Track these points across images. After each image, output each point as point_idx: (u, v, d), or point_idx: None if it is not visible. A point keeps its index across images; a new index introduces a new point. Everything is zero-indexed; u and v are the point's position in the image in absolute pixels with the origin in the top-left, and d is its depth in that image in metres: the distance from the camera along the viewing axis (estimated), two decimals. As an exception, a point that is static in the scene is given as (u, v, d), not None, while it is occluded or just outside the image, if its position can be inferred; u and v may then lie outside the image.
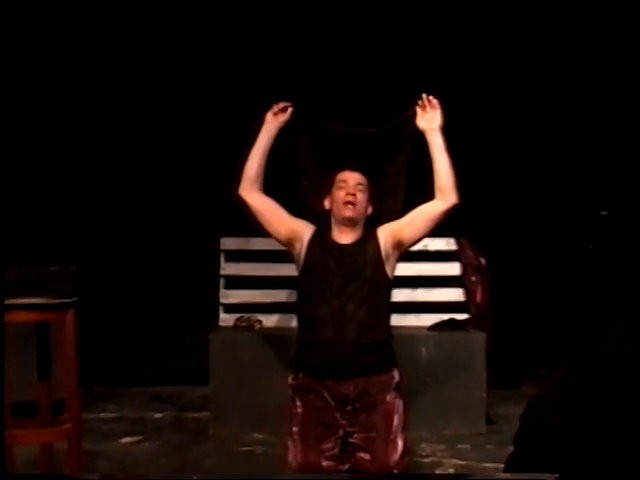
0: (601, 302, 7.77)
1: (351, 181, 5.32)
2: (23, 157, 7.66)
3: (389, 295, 5.40)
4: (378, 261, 5.31)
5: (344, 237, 5.33)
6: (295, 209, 5.54)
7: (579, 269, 8.31)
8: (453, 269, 7.16)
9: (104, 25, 7.87)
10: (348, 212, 5.27)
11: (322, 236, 5.37)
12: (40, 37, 7.72)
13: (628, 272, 7.64)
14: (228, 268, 7.19)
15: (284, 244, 5.46)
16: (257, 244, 7.05)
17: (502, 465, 5.48)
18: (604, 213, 8.20)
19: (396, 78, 7.84)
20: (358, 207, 5.27)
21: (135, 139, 8.09)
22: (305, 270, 5.35)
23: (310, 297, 5.30)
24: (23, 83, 7.64)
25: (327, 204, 5.40)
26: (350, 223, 5.30)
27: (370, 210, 5.35)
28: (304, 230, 5.38)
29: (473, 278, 7.04)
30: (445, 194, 5.25)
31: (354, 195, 5.27)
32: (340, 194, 5.30)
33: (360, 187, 5.31)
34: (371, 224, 5.39)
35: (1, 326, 2.91)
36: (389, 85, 7.77)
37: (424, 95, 5.37)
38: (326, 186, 5.42)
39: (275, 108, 5.41)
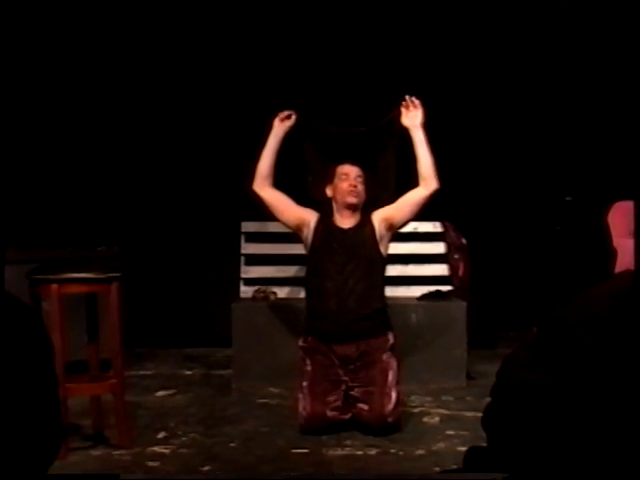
0: (564, 275, 7.77)
1: (352, 174, 5.43)
2: (73, 152, 7.65)
3: (384, 271, 5.50)
4: (373, 242, 5.40)
5: (345, 222, 5.42)
6: (301, 199, 5.59)
7: (546, 247, 8.31)
8: (439, 248, 7.17)
9: (129, 18, 7.80)
10: (352, 199, 5.40)
11: (326, 221, 5.46)
12: (63, 22, 7.61)
13: (588, 249, 7.63)
14: (248, 248, 7.21)
15: (293, 230, 5.54)
16: (273, 227, 7.04)
17: (480, 413, 5.49)
18: (569, 199, 8.19)
19: (382, 76, 7.81)
20: (360, 195, 5.39)
21: (170, 137, 8.07)
22: (312, 250, 5.43)
23: (317, 273, 5.39)
24: (59, 71, 7.58)
25: (329, 192, 5.49)
26: (352, 209, 5.41)
27: (365, 198, 5.44)
28: (310, 217, 5.47)
29: (456, 256, 7.04)
30: (427, 181, 5.35)
31: (355, 186, 5.38)
32: (344, 185, 5.41)
33: (359, 179, 5.43)
34: (366, 210, 5.45)
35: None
36: (378, 84, 7.73)
37: (407, 96, 5.42)
38: (328, 177, 5.50)
39: (281, 115, 5.47)
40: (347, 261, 5.36)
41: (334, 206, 5.50)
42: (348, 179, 5.43)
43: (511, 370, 2.21)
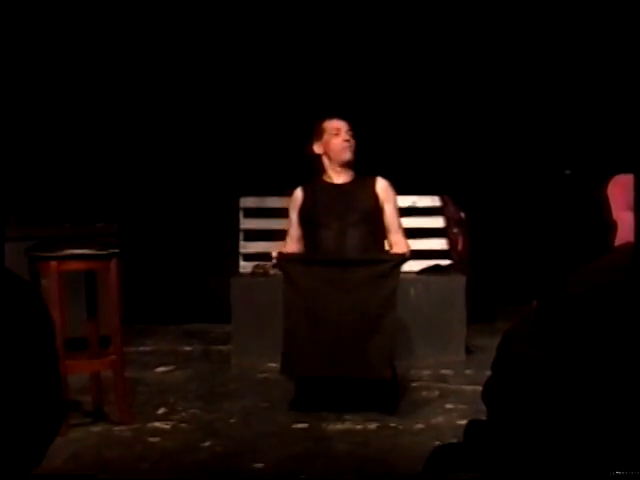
0: (563, 248, 7.77)
1: (343, 128, 5.40)
2: (71, 129, 7.65)
3: (382, 221, 5.41)
4: (372, 195, 5.37)
5: (340, 178, 5.44)
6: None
7: (545, 220, 8.30)
8: (438, 222, 7.15)
9: (141, 10, 7.80)
10: (347, 155, 5.41)
11: (316, 182, 5.44)
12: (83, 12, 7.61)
13: (588, 223, 7.62)
14: (246, 223, 7.20)
15: None
16: (271, 202, 7.08)
17: (479, 387, 5.52)
18: (568, 172, 8.16)
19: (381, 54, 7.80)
20: (353, 149, 5.37)
21: (169, 112, 8.06)
22: (307, 210, 5.40)
23: (315, 224, 5.35)
24: (60, 51, 7.57)
25: (318, 149, 5.46)
26: (347, 164, 5.40)
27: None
28: (297, 200, 5.47)
29: (455, 230, 7.03)
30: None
31: (348, 140, 5.37)
32: (337, 141, 5.40)
33: (350, 132, 5.41)
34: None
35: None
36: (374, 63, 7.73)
37: None
38: (315, 133, 5.46)
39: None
40: (345, 211, 5.33)
41: (326, 163, 5.46)
42: (340, 134, 5.40)
43: (511, 344, 2.21)
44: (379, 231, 5.40)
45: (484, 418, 2.64)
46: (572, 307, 2.04)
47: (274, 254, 5.30)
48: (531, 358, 2.11)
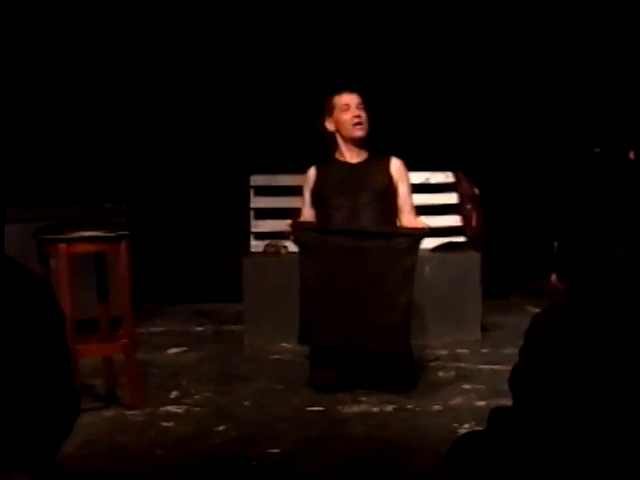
0: (590, 229, 7.65)
1: (353, 102, 5.29)
2: (78, 106, 7.59)
3: (395, 202, 5.33)
4: (387, 175, 5.28)
5: (354, 156, 5.34)
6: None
7: (570, 197, 8.17)
8: (451, 198, 7.10)
9: None
10: (359, 132, 5.29)
11: (329, 161, 5.36)
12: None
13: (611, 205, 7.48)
14: (257, 201, 7.13)
15: None
16: (282, 180, 7.02)
17: (496, 366, 5.50)
18: (597, 150, 7.98)
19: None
20: (365, 125, 5.27)
21: (178, 89, 8.00)
22: (320, 185, 5.33)
23: (327, 203, 5.27)
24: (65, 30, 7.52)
25: (330, 126, 5.36)
26: (360, 142, 5.29)
27: (369, 126, 5.33)
28: (310, 183, 5.39)
29: (469, 206, 6.97)
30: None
31: (359, 116, 5.25)
32: (346, 117, 5.28)
33: (361, 106, 5.28)
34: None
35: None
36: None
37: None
38: (326, 109, 5.36)
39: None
40: (358, 191, 5.24)
41: (339, 140, 5.37)
42: (350, 109, 5.27)
43: (539, 330, 2.15)
44: (392, 212, 5.31)
45: (504, 400, 2.57)
46: (603, 292, 1.98)
47: (288, 222, 5.25)
48: (558, 345, 2.04)
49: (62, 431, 1.67)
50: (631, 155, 6.41)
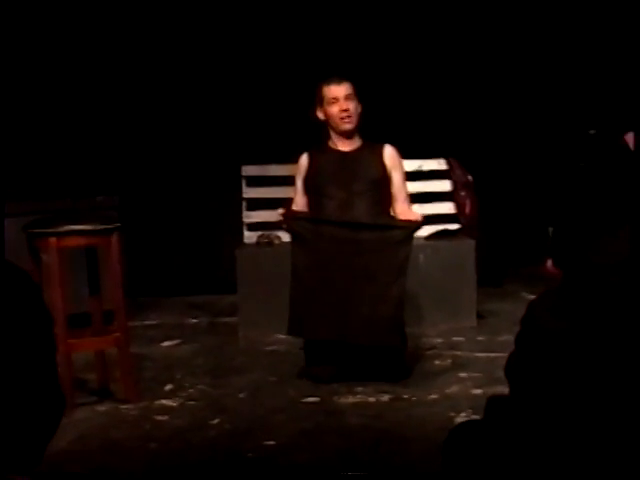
0: (585, 214, 7.59)
1: (340, 95, 5.22)
2: (69, 99, 7.55)
3: (388, 190, 5.28)
4: (380, 163, 5.24)
5: (346, 145, 5.30)
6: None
7: (563, 183, 8.12)
8: (444, 186, 7.07)
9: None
10: (347, 125, 5.24)
11: (321, 149, 5.32)
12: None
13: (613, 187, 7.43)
14: (249, 192, 7.09)
15: None
16: (274, 170, 6.98)
17: (492, 354, 5.47)
18: (592, 132, 7.90)
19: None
20: (354, 117, 5.22)
21: (169, 81, 7.94)
22: (313, 173, 5.28)
23: (320, 193, 5.23)
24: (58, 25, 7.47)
25: (321, 115, 5.32)
26: (349, 134, 5.24)
27: (360, 108, 5.26)
28: (302, 171, 5.35)
29: (462, 193, 6.95)
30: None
31: (347, 109, 5.19)
32: (334, 110, 5.23)
33: (349, 96, 5.22)
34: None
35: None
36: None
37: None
38: (317, 98, 5.31)
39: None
40: (351, 180, 5.20)
41: (330, 130, 5.34)
42: (338, 102, 5.22)
43: (535, 317, 2.12)
44: (385, 200, 5.27)
45: (500, 388, 2.54)
46: (601, 276, 1.95)
47: (280, 211, 5.20)
48: (556, 331, 2.01)
49: (47, 431, 1.63)
50: (629, 138, 6.36)
